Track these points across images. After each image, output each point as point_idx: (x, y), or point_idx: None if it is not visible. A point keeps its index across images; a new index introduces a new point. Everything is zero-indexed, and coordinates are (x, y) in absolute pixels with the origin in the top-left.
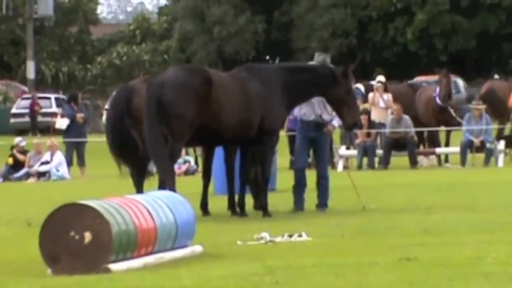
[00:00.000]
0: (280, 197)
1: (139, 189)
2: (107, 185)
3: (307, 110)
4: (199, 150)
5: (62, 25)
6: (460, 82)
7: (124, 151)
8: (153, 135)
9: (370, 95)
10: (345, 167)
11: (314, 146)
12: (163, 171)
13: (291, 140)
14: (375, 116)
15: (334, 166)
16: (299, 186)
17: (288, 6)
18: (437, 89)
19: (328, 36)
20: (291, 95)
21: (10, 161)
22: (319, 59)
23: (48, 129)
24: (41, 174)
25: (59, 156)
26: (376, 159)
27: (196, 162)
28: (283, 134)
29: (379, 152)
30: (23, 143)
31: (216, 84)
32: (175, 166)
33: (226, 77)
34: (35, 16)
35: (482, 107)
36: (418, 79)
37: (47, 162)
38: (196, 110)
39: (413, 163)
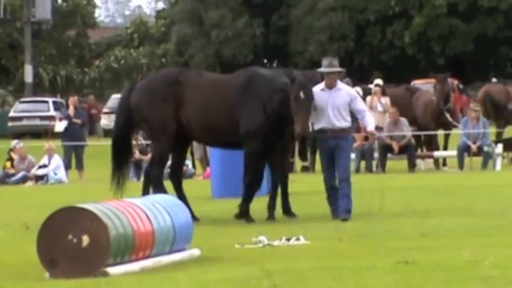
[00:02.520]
0: (277, 200)
1: (179, 193)
2: (105, 189)
3: (321, 121)
4: (197, 154)
5: (60, 29)
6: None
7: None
8: (117, 139)
9: (368, 98)
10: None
11: (335, 152)
12: (113, 176)
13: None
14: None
15: None
16: (334, 197)
17: (286, 10)
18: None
19: (326, 39)
20: (265, 101)
21: (8, 165)
22: (325, 62)
23: (46, 133)
24: (38, 178)
25: (57, 160)
26: (374, 163)
27: (193, 166)
28: None
29: (377, 155)
30: (20, 145)
31: (185, 86)
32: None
33: (203, 80)
34: (32, 20)
35: (479, 110)
36: (416, 82)
37: (44, 166)
38: (165, 112)
39: (412, 166)
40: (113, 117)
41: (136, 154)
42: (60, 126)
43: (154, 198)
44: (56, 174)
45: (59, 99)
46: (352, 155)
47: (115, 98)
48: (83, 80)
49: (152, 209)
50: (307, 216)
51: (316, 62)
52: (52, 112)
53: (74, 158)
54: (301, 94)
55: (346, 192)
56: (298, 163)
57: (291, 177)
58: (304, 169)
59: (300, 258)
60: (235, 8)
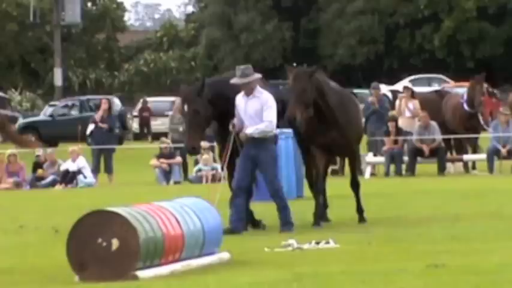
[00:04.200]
0: (307, 204)
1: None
2: (134, 192)
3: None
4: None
5: (90, 32)
6: None
7: None
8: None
9: (397, 102)
10: (373, 174)
11: (258, 163)
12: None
13: None
14: (402, 123)
15: (361, 173)
16: (236, 200)
17: (316, 13)
18: (465, 96)
19: (355, 43)
20: None
21: (40, 172)
22: (237, 73)
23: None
24: (68, 181)
25: (81, 161)
26: (404, 166)
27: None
28: None
29: (407, 159)
30: (50, 150)
31: None
32: (205, 173)
33: None
34: (62, 23)
35: (509, 114)
36: (445, 86)
37: (67, 171)
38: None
39: (442, 170)
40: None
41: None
42: (91, 129)
43: (184, 202)
44: (85, 177)
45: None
46: (382, 158)
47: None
48: (113, 84)
49: (182, 213)
50: (336, 220)
51: (346, 65)
52: None
53: (103, 161)
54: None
55: (282, 205)
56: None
57: None
58: (333, 172)
59: (330, 261)
60: (264, 12)
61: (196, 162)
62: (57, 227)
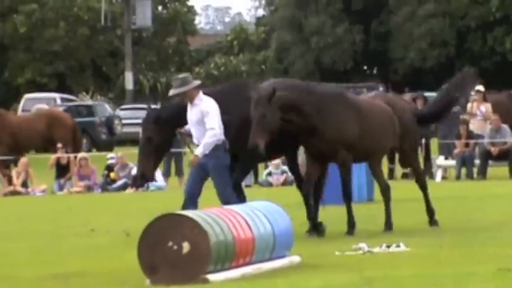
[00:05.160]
0: (378, 207)
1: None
2: (205, 196)
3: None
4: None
5: (160, 36)
6: None
7: None
8: None
9: (469, 105)
10: (444, 177)
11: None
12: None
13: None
14: (473, 126)
15: (432, 176)
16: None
17: (386, 16)
18: None
19: (426, 46)
20: None
21: (113, 175)
22: (174, 83)
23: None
24: (139, 185)
25: None
26: (475, 170)
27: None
28: None
29: (478, 162)
30: (120, 154)
31: None
32: (275, 177)
33: None
34: (133, 27)
35: None
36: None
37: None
38: None
39: None
40: None
41: None
42: None
43: (254, 205)
44: (156, 180)
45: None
46: (453, 162)
47: None
48: None
49: (252, 216)
50: (407, 223)
51: (417, 68)
52: None
53: (173, 164)
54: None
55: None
56: (398, 170)
57: (391, 184)
58: (404, 176)
59: (400, 265)
60: (335, 15)
61: (266, 166)
62: (129, 231)
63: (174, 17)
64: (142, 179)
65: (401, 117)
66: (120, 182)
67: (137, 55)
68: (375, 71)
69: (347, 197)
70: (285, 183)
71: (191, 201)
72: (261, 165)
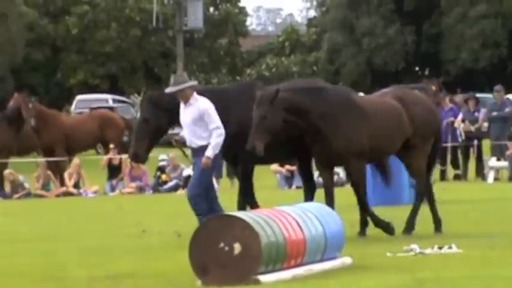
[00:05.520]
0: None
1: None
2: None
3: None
4: None
5: (212, 37)
6: None
7: None
8: None
9: None
10: (496, 179)
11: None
12: None
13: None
14: None
15: (484, 178)
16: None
17: (438, 18)
18: None
19: (478, 47)
20: None
21: (164, 177)
22: (171, 81)
23: None
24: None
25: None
26: None
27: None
28: None
29: None
30: (171, 155)
31: None
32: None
33: None
34: (184, 28)
35: None
36: None
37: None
38: None
39: None
40: None
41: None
42: None
43: (305, 207)
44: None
45: None
46: (505, 163)
47: None
48: None
49: (303, 217)
50: (459, 225)
51: (469, 69)
52: None
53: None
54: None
55: (198, 212)
56: (450, 171)
57: (443, 185)
58: (456, 177)
59: (452, 266)
60: (386, 16)
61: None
62: (180, 231)
63: (225, 19)
64: (134, 159)
65: (411, 111)
66: (171, 183)
67: (189, 56)
68: (426, 72)
69: (363, 208)
70: (335, 184)
71: (212, 207)
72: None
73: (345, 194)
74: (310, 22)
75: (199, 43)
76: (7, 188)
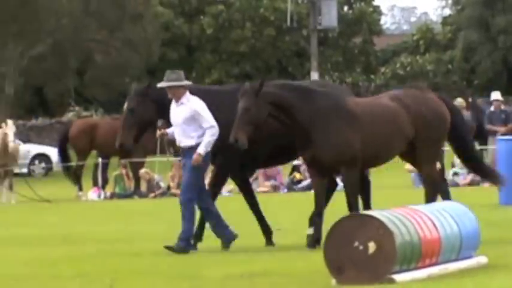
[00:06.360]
0: None
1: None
2: (391, 196)
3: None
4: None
5: (346, 36)
6: None
7: None
8: None
9: None
10: None
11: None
12: None
13: None
14: None
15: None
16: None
17: None
18: None
19: None
20: None
21: (298, 176)
22: (165, 77)
23: None
24: None
25: None
26: None
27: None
28: None
29: None
30: None
31: None
32: (461, 177)
33: None
34: (319, 27)
35: None
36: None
37: None
38: None
39: None
40: None
41: None
42: None
43: (440, 206)
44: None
45: None
46: None
47: None
48: (369, 87)
49: (439, 217)
50: None
51: None
52: None
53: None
54: None
55: (186, 217)
56: None
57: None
58: None
59: None
60: None
61: (453, 166)
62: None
63: (359, 17)
64: (121, 148)
65: (412, 111)
66: (305, 182)
67: (323, 55)
68: None
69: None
70: (471, 183)
71: (203, 204)
72: (447, 165)
73: (481, 193)
74: (445, 20)
75: (334, 42)
76: (143, 187)
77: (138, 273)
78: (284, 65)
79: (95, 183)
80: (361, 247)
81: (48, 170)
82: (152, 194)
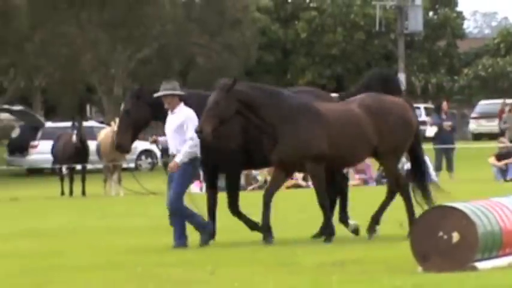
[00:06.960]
0: None
1: None
2: (474, 189)
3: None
4: None
5: (431, 39)
6: None
7: None
8: None
9: None
10: None
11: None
12: None
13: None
14: None
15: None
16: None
17: None
18: None
19: None
20: None
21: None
22: (161, 86)
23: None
24: None
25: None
26: None
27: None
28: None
29: None
30: None
31: None
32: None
33: None
34: (405, 31)
35: None
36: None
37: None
38: None
39: None
40: (480, 121)
41: None
42: (430, 131)
43: None
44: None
45: (429, 105)
46: None
47: (483, 104)
48: (453, 88)
49: None
50: None
51: None
52: (424, 117)
53: (444, 160)
54: None
55: (187, 220)
56: None
57: None
58: None
59: None
60: None
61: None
62: (401, 221)
63: (443, 22)
64: (119, 149)
65: (378, 121)
66: None
67: (409, 58)
68: None
69: (321, 207)
70: None
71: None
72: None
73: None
74: None
75: (419, 45)
76: (242, 180)
77: (238, 261)
78: (373, 67)
79: (197, 178)
80: (445, 237)
81: (154, 165)
82: (250, 187)
